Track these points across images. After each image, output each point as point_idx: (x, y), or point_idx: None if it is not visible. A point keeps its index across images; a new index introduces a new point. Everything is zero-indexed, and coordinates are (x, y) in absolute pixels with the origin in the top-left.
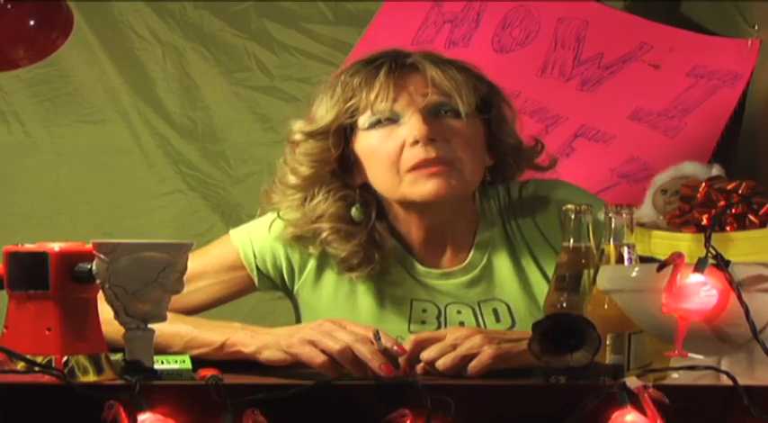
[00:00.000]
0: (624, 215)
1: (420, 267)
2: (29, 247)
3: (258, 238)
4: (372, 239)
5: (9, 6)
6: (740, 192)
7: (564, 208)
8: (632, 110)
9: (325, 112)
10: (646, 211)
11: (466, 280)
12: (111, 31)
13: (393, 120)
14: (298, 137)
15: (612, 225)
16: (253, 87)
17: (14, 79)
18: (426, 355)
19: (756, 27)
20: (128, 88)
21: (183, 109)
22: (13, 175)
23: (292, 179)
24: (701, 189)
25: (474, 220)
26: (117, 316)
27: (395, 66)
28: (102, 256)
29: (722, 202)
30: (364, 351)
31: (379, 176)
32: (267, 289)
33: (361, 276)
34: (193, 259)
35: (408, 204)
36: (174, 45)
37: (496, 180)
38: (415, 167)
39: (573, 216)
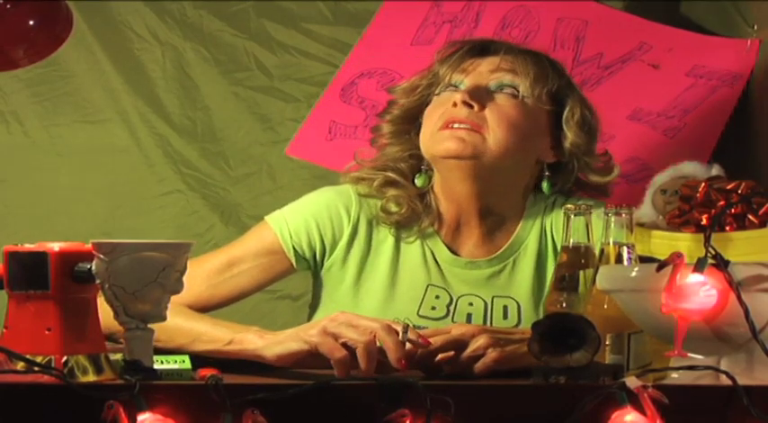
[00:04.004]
0: (624, 215)
1: (447, 254)
2: (29, 246)
3: (293, 220)
4: (422, 201)
5: (9, 6)
6: (740, 192)
7: (564, 208)
8: (632, 110)
9: None
10: (645, 211)
11: (489, 272)
12: (111, 32)
13: (456, 88)
14: (391, 96)
15: (612, 225)
16: (252, 87)
17: (14, 79)
18: (433, 342)
19: (756, 27)
20: (127, 88)
21: (182, 109)
22: (12, 175)
23: (379, 140)
24: (700, 189)
25: (517, 217)
26: (117, 316)
27: (477, 47)
28: (101, 256)
29: (722, 202)
30: (389, 340)
31: (424, 134)
32: (304, 270)
33: (400, 224)
34: (231, 247)
35: (440, 168)
36: (174, 45)
37: (557, 182)
38: (445, 125)
39: (573, 216)
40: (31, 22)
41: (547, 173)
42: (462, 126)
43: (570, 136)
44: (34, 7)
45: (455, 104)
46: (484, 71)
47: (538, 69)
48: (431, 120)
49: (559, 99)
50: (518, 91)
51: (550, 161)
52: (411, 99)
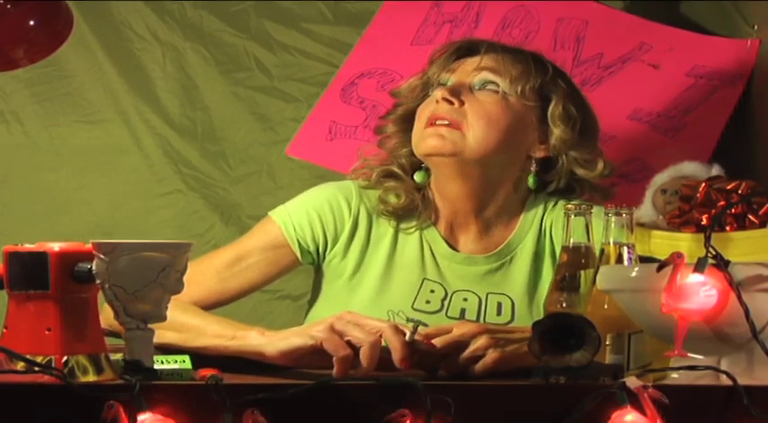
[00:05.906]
0: (624, 215)
1: (445, 248)
2: (29, 246)
3: (296, 214)
4: (421, 195)
5: (9, 6)
6: (740, 192)
7: (564, 208)
8: (632, 110)
9: None
10: (645, 211)
11: (485, 269)
12: (111, 32)
13: (443, 86)
14: (395, 98)
15: (612, 225)
16: (252, 87)
17: (14, 79)
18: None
19: (756, 27)
20: (127, 88)
21: (182, 109)
22: (12, 175)
23: (384, 140)
24: (700, 189)
25: (516, 213)
26: (117, 316)
27: (465, 47)
28: (101, 256)
29: (722, 202)
30: (395, 340)
31: (413, 133)
32: (308, 263)
33: (400, 215)
34: (239, 243)
35: (431, 167)
36: (174, 45)
37: (551, 177)
38: (428, 123)
39: (573, 216)
40: (31, 22)
41: (534, 167)
42: (443, 123)
43: (555, 131)
44: (34, 7)
45: (437, 101)
46: (468, 69)
47: (519, 67)
48: (419, 119)
49: (545, 95)
50: (499, 88)
51: (540, 156)
52: (410, 99)
